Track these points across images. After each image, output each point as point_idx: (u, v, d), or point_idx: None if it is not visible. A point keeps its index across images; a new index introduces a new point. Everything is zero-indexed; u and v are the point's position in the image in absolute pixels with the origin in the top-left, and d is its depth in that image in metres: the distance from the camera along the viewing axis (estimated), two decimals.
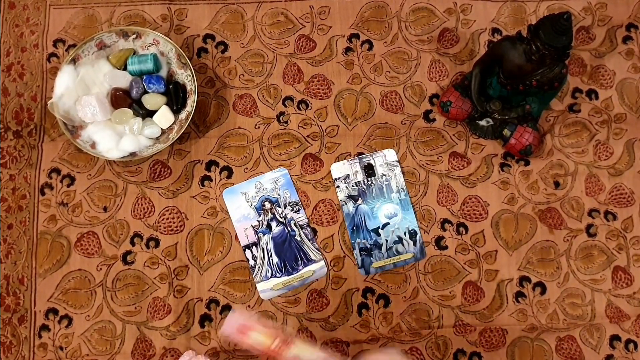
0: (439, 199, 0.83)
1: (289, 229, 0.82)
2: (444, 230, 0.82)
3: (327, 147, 0.85)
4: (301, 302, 0.80)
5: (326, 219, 0.82)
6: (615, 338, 0.79)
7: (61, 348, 0.78)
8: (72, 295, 0.80)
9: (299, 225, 0.82)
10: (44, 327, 0.79)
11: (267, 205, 0.82)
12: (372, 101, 0.87)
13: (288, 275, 0.80)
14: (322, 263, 0.81)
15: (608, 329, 0.80)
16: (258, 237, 0.81)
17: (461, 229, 0.82)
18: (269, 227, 0.82)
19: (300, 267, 0.81)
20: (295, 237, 0.81)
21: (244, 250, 0.81)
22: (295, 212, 0.82)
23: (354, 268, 0.81)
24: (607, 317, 0.80)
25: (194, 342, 0.78)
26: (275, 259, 0.81)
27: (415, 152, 0.85)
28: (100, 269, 0.80)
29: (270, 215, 0.82)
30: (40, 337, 0.79)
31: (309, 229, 0.82)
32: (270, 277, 0.80)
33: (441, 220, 0.83)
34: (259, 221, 0.82)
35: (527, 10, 0.90)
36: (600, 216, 0.83)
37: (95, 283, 0.80)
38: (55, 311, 0.79)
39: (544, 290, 0.81)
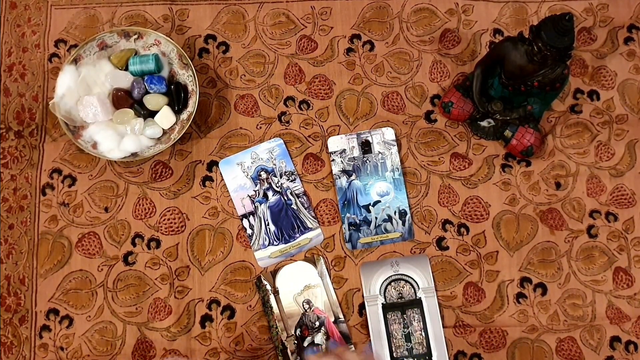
0: (440, 199, 0.83)
1: (285, 197, 0.82)
2: (445, 230, 0.82)
3: (328, 147, 0.85)
4: None
5: (327, 219, 0.82)
6: (615, 339, 0.79)
7: (62, 348, 0.78)
8: (73, 295, 0.80)
9: (295, 194, 0.82)
10: (45, 328, 0.79)
11: (263, 175, 0.83)
12: (374, 102, 0.87)
13: (285, 243, 0.81)
14: (319, 230, 0.81)
15: (608, 330, 0.80)
16: (255, 206, 0.82)
17: (462, 229, 0.82)
18: (265, 196, 0.82)
19: (297, 235, 0.81)
20: (292, 206, 0.82)
21: (241, 220, 0.81)
22: (291, 181, 0.83)
23: (355, 268, 0.81)
24: (607, 318, 0.80)
25: (194, 343, 0.78)
26: (272, 227, 0.81)
27: (417, 152, 0.85)
28: (101, 269, 0.80)
29: (266, 185, 0.83)
30: (41, 337, 0.79)
31: (304, 198, 0.82)
32: (268, 245, 0.81)
33: (442, 220, 0.83)
34: (255, 191, 0.82)
35: (529, 11, 0.90)
36: (602, 217, 0.83)
37: (96, 284, 0.80)
38: (56, 311, 0.79)
39: (544, 291, 0.81)
